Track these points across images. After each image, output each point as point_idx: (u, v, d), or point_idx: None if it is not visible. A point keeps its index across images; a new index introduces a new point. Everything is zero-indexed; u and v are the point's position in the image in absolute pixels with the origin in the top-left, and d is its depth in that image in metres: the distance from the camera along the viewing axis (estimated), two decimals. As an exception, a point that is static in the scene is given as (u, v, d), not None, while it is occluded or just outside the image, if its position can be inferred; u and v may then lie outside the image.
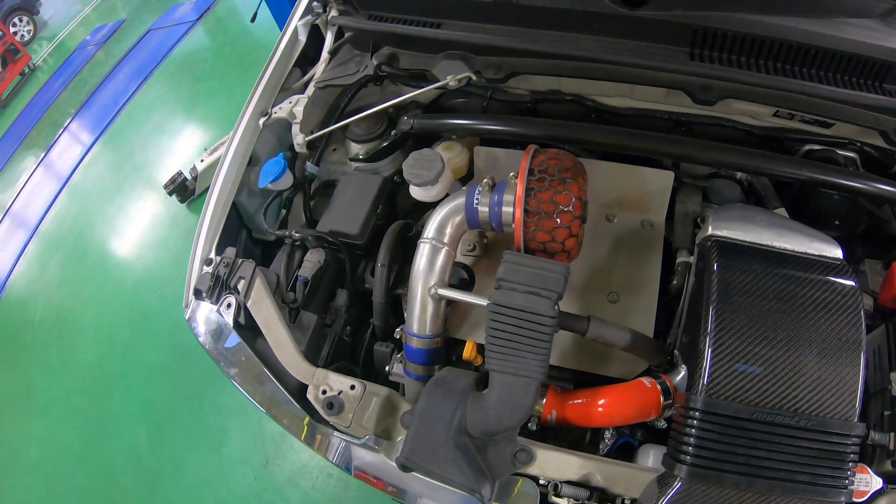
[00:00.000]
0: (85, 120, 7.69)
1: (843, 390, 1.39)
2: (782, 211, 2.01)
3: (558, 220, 1.63)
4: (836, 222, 2.15)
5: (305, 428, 1.82)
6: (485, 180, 1.74)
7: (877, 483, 1.47)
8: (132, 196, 5.92)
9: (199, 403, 4.00)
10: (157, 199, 5.66)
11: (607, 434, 1.85)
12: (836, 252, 1.60)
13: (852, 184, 1.80)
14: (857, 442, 1.36)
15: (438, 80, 2.01)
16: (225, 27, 8.14)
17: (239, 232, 2.24)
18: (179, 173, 5.34)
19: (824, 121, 1.94)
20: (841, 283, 1.51)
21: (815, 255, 1.59)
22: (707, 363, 1.40)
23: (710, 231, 1.64)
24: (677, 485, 1.36)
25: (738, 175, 2.11)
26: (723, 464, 1.36)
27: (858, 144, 1.97)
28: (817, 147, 2.01)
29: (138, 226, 5.56)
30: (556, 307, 1.52)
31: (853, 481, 1.37)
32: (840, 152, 1.99)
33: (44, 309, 5.32)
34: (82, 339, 4.85)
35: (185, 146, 6.20)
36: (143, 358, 4.43)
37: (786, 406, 1.38)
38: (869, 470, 1.48)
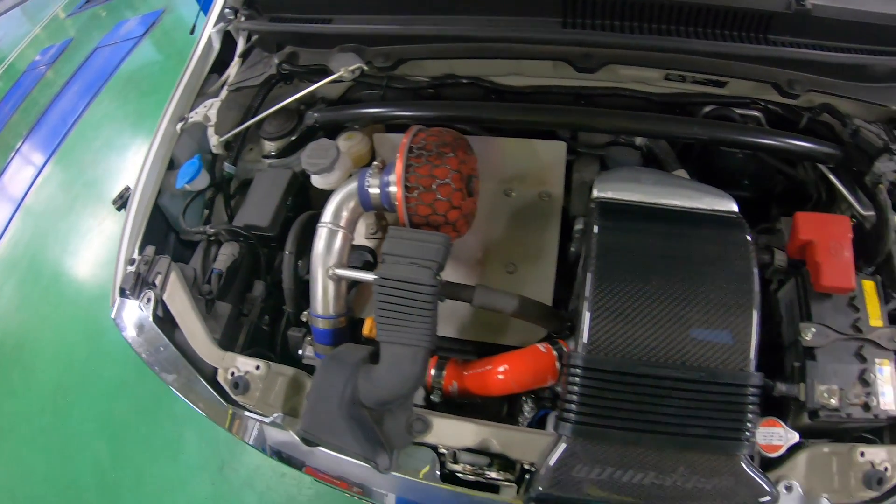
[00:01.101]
0: (36, 141, 7.66)
1: (736, 340, 1.42)
2: (682, 172, 2.05)
3: (437, 193, 1.72)
4: (746, 182, 2.21)
5: (229, 417, 1.90)
6: (374, 163, 1.82)
7: (792, 437, 1.50)
8: (83, 214, 5.94)
9: (155, 414, 4.06)
10: (107, 216, 5.68)
11: (526, 407, 1.91)
12: (731, 206, 1.65)
13: (745, 139, 1.86)
14: (754, 392, 1.39)
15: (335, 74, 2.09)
16: (171, 40, 8.17)
17: (167, 235, 2.31)
18: (127, 188, 5.28)
19: (716, 79, 1.99)
20: (731, 235, 1.56)
21: (706, 210, 1.64)
22: (586, 321, 1.44)
23: (595, 194, 1.68)
24: (563, 444, 1.40)
25: (638, 141, 2.17)
26: (608, 420, 1.39)
27: (762, 103, 2.00)
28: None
29: (90, 243, 5.60)
30: (438, 277, 1.59)
31: (754, 433, 1.39)
32: (742, 111, 2.03)
33: (2, 333, 5.31)
34: (41, 359, 4.86)
35: (133, 161, 6.18)
36: (101, 373, 4.48)
37: (672, 358, 1.40)
38: (781, 423, 1.50)
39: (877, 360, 1.58)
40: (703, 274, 1.49)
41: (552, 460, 1.41)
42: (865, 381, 1.55)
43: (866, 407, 1.53)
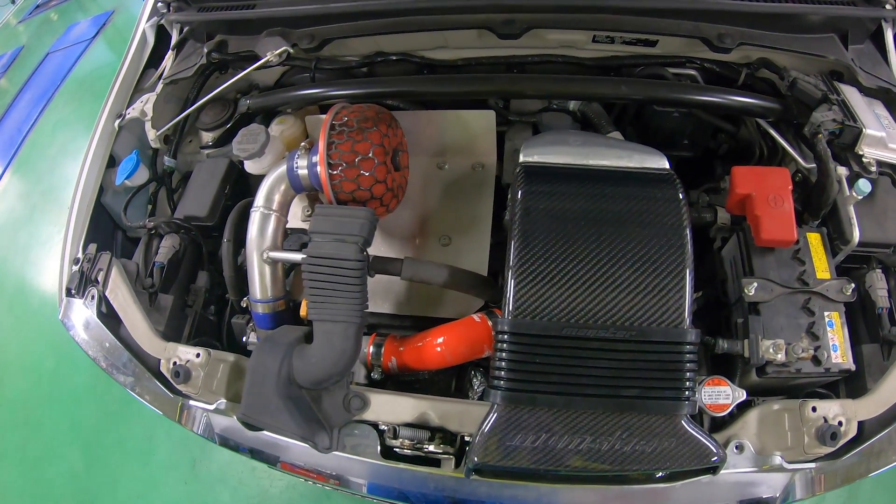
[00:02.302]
0: (-8, 155, 7.60)
1: (669, 297, 1.42)
2: (616, 134, 2.07)
3: (361, 168, 1.74)
4: (685, 141, 2.25)
5: (178, 409, 1.93)
6: (302, 144, 1.84)
7: (739, 395, 1.51)
8: (43, 222, 5.90)
9: (125, 417, 4.06)
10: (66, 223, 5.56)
11: (476, 381, 1.95)
12: (662, 163, 1.67)
13: (677, 96, 1.89)
14: (690, 350, 1.39)
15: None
16: (124, 39, 7.86)
17: (114, 233, 2.34)
18: None
19: (646, 38, 2.00)
20: (662, 191, 1.56)
21: (636, 168, 1.64)
22: (510, 286, 1.44)
23: (521, 159, 1.70)
24: (494, 413, 1.40)
25: (571, 105, 2.19)
26: (536, 385, 1.39)
27: (698, 61, 2.03)
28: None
29: (52, 251, 5.55)
30: (365, 252, 1.63)
31: (694, 392, 1.39)
32: (678, 71, 2.06)
33: (-31, 351, 5.30)
34: (9, 373, 4.83)
35: None
36: (69, 381, 4.48)
37: (601, 319, 1.40)
38: (727, 381, 1.52)
39: (826, 313, 1.60)
40: (633, 232, 1.49)
41: (485, 429, 1.40)
42: (814, 335, 1.57)
43: (816, 361, 1.54)
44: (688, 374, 1.38)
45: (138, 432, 3.98)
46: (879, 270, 1.70)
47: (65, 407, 4.39)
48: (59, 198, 6.00)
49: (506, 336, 1.41)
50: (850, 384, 1.68)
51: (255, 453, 1.93)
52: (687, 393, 1.38)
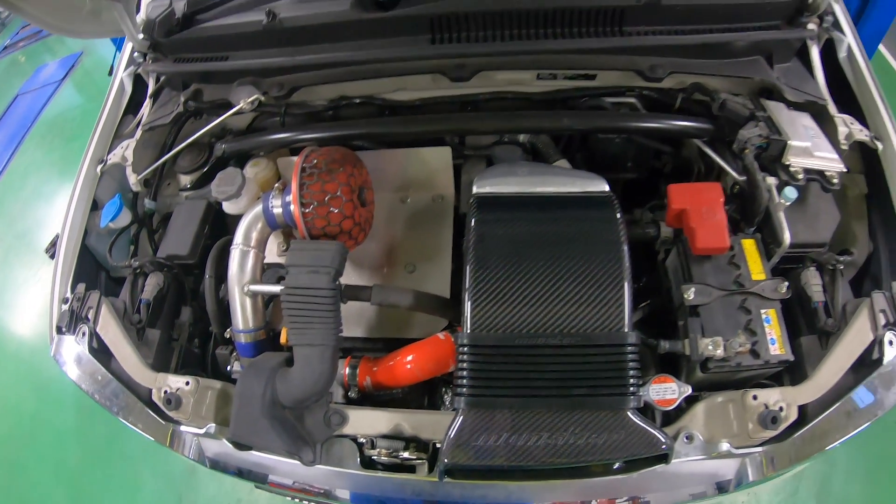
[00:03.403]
0: (-37, 198, 7.63)
1: (609, 305, 1.60)
2: (563, 162, 2.27)
3: (330, 206, 1.94)
4: (629, 164, 2.45)
5: (169, 436, 2.08)
6: (276, 185, 2.04)
7: (685, 389, 1.66)
8: (17, 265, 5.99)
9: (108, 456, 4.17)
10: (42, 265, 5.72)
11: (447, 396, 2.14)
12: (602, 186, 1.87)
13: (616, 124, 2.13)
14: (632, 350, 1.56)
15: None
16: (93, 80, 8.26)
17: (98, 274, 2.49)
18: (58, 236, 5.29)
19: (585, 73, 2.21)
20: (600, 213, 1.76)
21: (578, 193, 1.85)
22: (468, 306, 1.63)
23: (474, 190, 1.90)
24: (460, 417, 1.56)
25: (521, 138, 2.39)
26: (496, 390, 1.56)
27: (636, 90, 2.22)
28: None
29: (27, 294, 5.67)
30: (337, 281, 1.81)
31: (638, 388, 1.55)
32: (618, 100, 2.25)
33: (-52, 396, 5.34)
34: None
35: (62, 208, 5.92)
36: (51, 423, 4.57)
37: (549, 328, 1.59)
38: (672, 378, 1.67)
39: (763, 311, 1.76)
40: (576, 250, 1.67)
41: (452, 433, 1.56)
42: (752, 331, 1.74)
43: (755, 354, 1.71)
44: (630, 371, 1.55)
45: (123, 470, 4.09)
46: (813, 268, 1.90)
47: (48, 448, 4.47)
48: (33, 241, 6.11)
49: (466, 348, 1.59)
50: (793, 374, 1.84)
51: (245, 473, 2.09)
52: (631, 389, 1.54)
